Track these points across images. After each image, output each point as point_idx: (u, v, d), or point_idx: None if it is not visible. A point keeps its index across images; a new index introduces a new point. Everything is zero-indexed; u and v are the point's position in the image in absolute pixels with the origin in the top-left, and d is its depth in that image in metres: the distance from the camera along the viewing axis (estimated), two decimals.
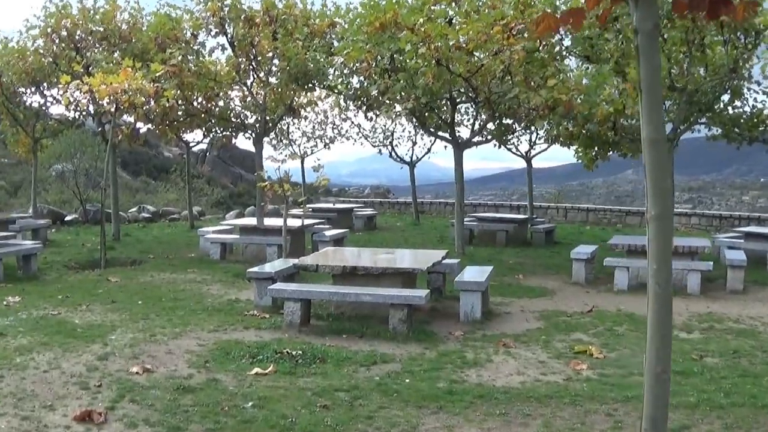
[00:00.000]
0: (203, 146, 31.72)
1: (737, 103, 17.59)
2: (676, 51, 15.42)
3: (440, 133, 18.91)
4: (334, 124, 27.94)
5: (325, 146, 28.35)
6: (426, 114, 17.73)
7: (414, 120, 17.10)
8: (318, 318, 10.06)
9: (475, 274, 10.73)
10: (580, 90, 14.58)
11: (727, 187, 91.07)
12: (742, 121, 17.77)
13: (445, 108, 18.64)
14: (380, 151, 27.77)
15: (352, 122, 27.48)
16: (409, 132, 27.35)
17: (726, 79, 16.17)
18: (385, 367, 7.79)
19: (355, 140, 28.20)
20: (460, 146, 17.98)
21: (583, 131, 17.39)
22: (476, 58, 15.57)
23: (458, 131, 19.81)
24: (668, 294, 4.51)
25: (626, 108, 13.91)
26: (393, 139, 27.50)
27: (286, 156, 26.93)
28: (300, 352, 8.11)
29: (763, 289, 13.82)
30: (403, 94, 15.57)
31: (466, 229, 19.41)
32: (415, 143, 27.52)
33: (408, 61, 15.48)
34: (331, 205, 26.30)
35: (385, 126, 27.14)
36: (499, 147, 22.27)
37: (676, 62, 14.78)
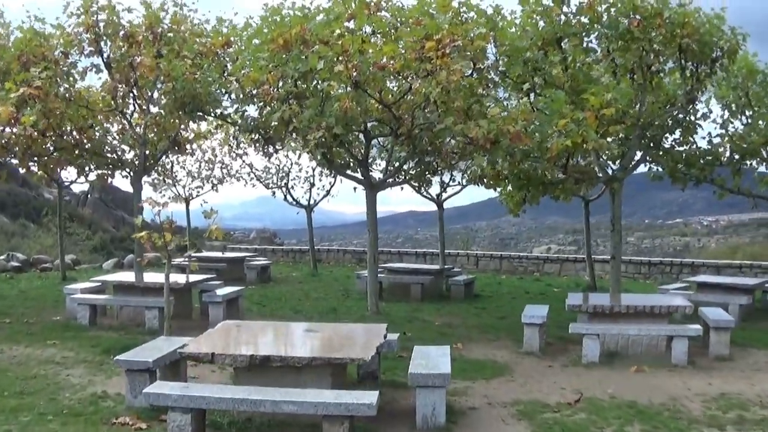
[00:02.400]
0: (84, 187, 28.56)
1: (689, 138, 15.70)
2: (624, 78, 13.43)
3: (350, 173, 16.21)
4: (222, 163, 24.93)
5: (212, 187, 25.27)
6: (335, 149, 15.04)
7: (320, 156, 14.35)
8: (215, 427, 7.11)
9: (432, 360, 7.87)
10: (527, 120, 12.18)
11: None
12: (694, 158, 15.81)
13: (357, 143, 16.02)
14: (274, 193, 24.89)
15: (243, 161, 24.57)
16: (307, 172, 24.62)
17: (681, 111, 14.21)
18: None
19: (246, 181, 25.24)
20: (373, 188, 15.31)
21: (517, 170, 15.03)
22: (401, 81, 13.08)
23: (373, 168, 17.32)
24: None
25: (586, 141, 11.54)
26: (288, 180, 24.66)
27: (168, 198, 23.83)
28: None
29: (747, 351, 11.78)
30: (312, 123, 12.83)
31: None
32: (313, 185, 24.73)
33: (320, 83, 12.84)
34: (220, 255, 23.24)
35: (279, 165, 24.33)
36: (419, 189, 19.82)
37: (626, 94, 12.62)
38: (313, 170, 24.25)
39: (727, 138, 16.20)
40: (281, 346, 7.75)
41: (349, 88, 12.89)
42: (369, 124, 14.90)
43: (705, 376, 9.87)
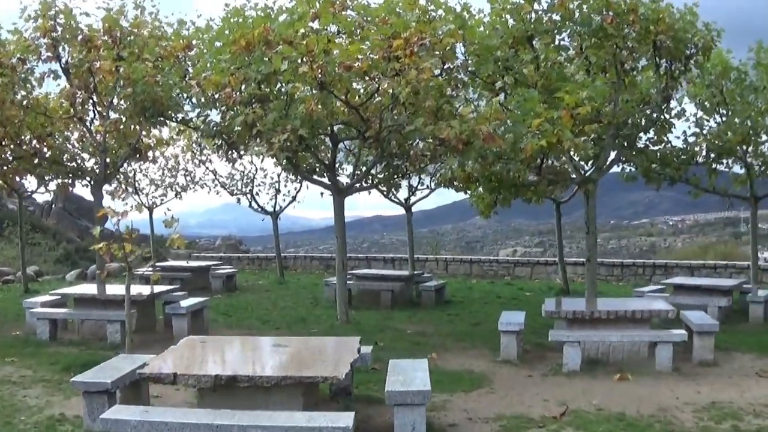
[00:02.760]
0: (48, 197, 27.75)
1: (662, 138, 15.37)
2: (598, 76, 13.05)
3: (316, 178, 15.69)
4: (186, 170, 24.27)
5: (176, 195, 24.59)
6: (300, 154, 14.54)
7: (285, 160, 13.83)
8: None
9: (410, 375, 7.35)
10: (500, 119, 11.74)
11: (577, 230, 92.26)
12: (669, 157, 15.49)
13: (324, 147, 15.52)
14: (239, 200, 24.28)
15: (207, 168, 23.94)
16: (272, 178, 24.09)
17: (656, 110, 13.89)
18: None
19: (210, 188, 24.59)
20: (340, 193, 14.82)
21: (488, 172, 14.60)
22: (369, 82, 12.61)
23: (340, 172, 16.85)
24: None
25: (561, 141, 11.12)
26: (253, 187, 24.10)
27: (131, 206, 23.10)
28: None
29: (730, 355, 11.37)
30: (276, 127, 12.30)
31: None
32: (278, 191, 24.17)
33: (284, 84, 12.35)
34: (184, 264, 22.58)
35: (244, 172, 23.77)
36: (387, 193, 19.35)
37: (601, 92, 12.21)
38: (279, 176, 23.75)
39: (702, 137, 15.93)
40: (248, 365, 7.22)
41: (314, 90, 12.41)
42: (335, 127, 14.42)
43: (692, 384, 9.46)
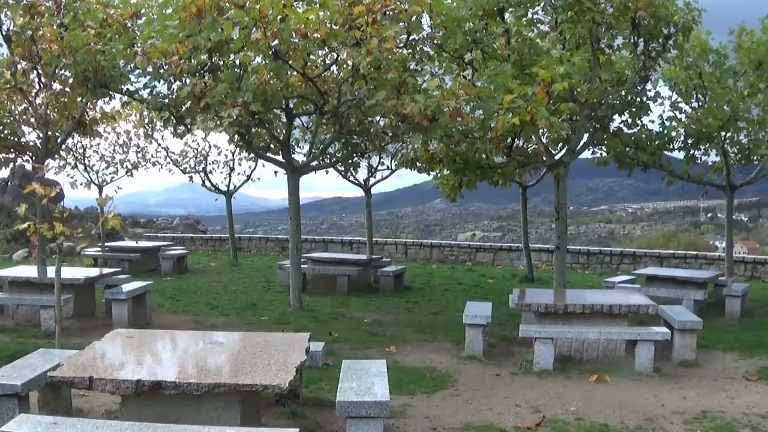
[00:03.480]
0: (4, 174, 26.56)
1: (637, 121, 14.57)
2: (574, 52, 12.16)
3: (270, 155, 14.71)
4: (138, 147, 22.99)
5: (127, 173, 23.29)
6: (254, 130, 13.53)
7: (237, 137, 12.86)
8: None
9: (366, 381, 6.35)
10: (470, 94, 10.81)
11: (537, 215, 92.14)
12: (644, 141, 14.68)
13: (278, 123, 14.53)
14: (191, 178, 23.16)
15: (159, 145, 22.73)
16: (226, 156, 23.01)
17: (632, 91, 13.08)
18: None
19: (162, 166, 23.35)
20: (295, 171, 13.85)
21: (453, 152, 13.69)
22: (328, 52, 11.66)
23: (297, 150, 15.90)
24: None
25: (535, 119, 10.23)
26: (207, 165, 22.99)
27: (72, 180, 21.70)
28: None
29: (711, 354, 10.60)
30: (227, 99, 11.26)
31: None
32: (232, 169, 23.11)
33: (234, 54, 11.33)
34: (134, 244, 21.42)
35: (197, 149, 22.64)
36: (346, 173, 18.40)
37: (580, 68, 11.29)
38: (233, 154, 22.70)
39: (678, 122, 15.16)
40: (177, 367, 6.20)
41: (267, 60, 11.41)
42: (291, 102, 13.43)
43: (676, 387, 8.62)
